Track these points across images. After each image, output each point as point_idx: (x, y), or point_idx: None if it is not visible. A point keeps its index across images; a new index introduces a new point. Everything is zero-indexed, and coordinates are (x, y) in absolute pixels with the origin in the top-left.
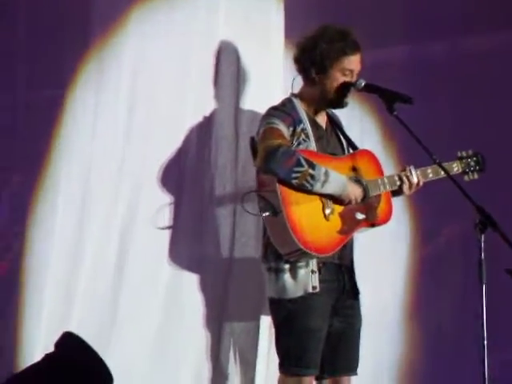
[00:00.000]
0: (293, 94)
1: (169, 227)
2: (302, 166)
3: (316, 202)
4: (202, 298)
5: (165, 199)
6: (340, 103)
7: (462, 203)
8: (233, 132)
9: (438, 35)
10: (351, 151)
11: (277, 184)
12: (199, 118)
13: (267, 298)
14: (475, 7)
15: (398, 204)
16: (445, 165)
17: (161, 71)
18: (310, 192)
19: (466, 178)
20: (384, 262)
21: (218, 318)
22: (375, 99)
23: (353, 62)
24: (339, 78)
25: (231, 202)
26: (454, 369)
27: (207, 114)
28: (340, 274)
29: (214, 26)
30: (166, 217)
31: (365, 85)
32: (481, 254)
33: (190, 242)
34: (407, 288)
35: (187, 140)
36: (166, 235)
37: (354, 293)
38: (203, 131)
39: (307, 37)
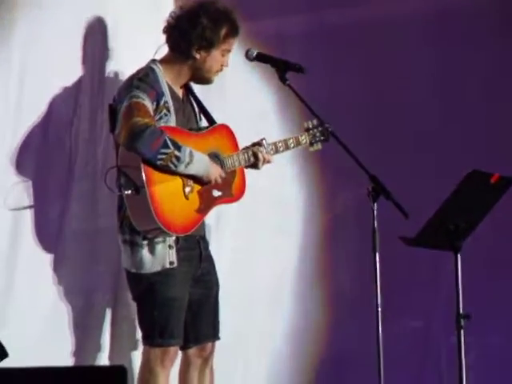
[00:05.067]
0: (154, 61)
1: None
2: (168, 147)
3: (177, 181)
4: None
5: (54, 172)
6: (209, 80)
7: (358, 172)
8: None
9: (333, 4)
10: (203, 119)
11: (141, 163)
12: (90, 93)
13: (124, 270)
14: None
15: (290, 175)
16: (293, 136)
17: (51, 44)
18: (172, 172)
19: (311, 149)
20: (279, 234)
21: (111, 289)
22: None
23: (233, 44)
24: (218, 58)
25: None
26: (354, 333)
27: (97, 87)
28: (196, 243)
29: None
30: (58, 189)
31: (257, 54)
32: (374, 223)
33: (83, 214)
34: (303, 258)
35: (78, 115)
36: (60, 207)
37: (210, 260)
38: (94, 105)
39: (187, 10)
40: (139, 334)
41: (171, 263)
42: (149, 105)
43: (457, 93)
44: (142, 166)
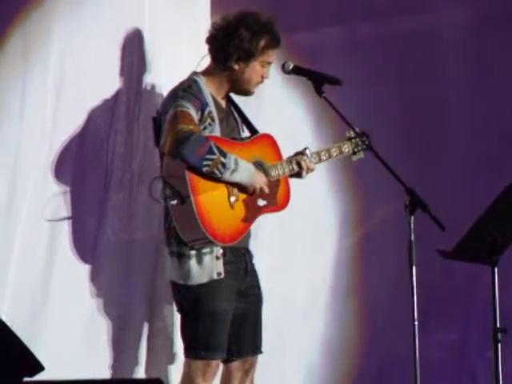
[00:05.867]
0: (196, 73)
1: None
2: (213, 153)
3: (222, 190)
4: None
5: (91, 184)
6: (249, 92)
7: (394, 185)
8: None
9: (374, 15)
10: (245, 130)
11: (186, 171)
12: (127, 104)
13: (169, 282)
14: None
15: (326, 190)
16: (336, 145)
17: (88, 59)
18: (217, 180)
19: (353, 157)
20: (314, 248)
21: (147, 302)
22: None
23: (273, 55)
24: (258, 70)
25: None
26: (390, 346)
27: (134, 99)
28: (242, 256)
29: (140, 12)
30: (94, 201)
31: (293, 67)
32: (410, 236)
33: (119, 226)
34: (338, 271)
35: (115, 127)
36: (96, 219)
37: (255, 274)
38: (130, 117)
39: (227, 20)
40: (176, 348)
41: (219, 274)
42: (194, 113)
43: (494, 106)
44: (187, 174)
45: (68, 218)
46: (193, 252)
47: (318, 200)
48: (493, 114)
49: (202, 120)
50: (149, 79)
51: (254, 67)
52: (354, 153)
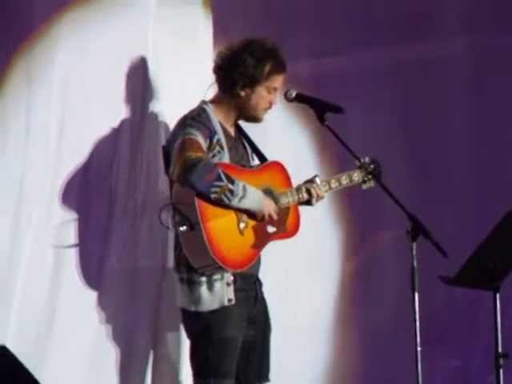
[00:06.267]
0: (205, 102)
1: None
2: (221, 180)
3: (231, 216)
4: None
5: (95, 212)
6: (258, 118)
7: (396, 211)
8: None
9: (376, 44)
10: (255, 159)
11: (195, 197)
12: (130, 132)
13: (179, 309)
14: (412, 15)
15: (329, 215)
16: (346, 173)
17: (92, 87)
18: (226, 206)
19: (363, 186)
20: (316, 273)
21: (151, 329)
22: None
23: (280, 81)
24: (264, 96)
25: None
26: (392, 372)
27: (137, 127)
28: (253, 283)
29: (144, 41)
30: (98, 229)
31: (296, 95)
32: (413, 262)
33: (123, 254)
34: (340, 297)
35: (118, 155)
36: (101, 246)
37: (264, 303)
38: (134, 145)
39: (232, 49)
40: (182, 375)
41: (229, 300)
42: (202, 141)
43: (496, 132)
44: (197, 201)
45: (73, 246)
46: (203, 278)
47: (320, 225)
48: (495, 141)
49: (210, 148)
50: (152, 107)
51: (260, 93)
52: (364, 181)
